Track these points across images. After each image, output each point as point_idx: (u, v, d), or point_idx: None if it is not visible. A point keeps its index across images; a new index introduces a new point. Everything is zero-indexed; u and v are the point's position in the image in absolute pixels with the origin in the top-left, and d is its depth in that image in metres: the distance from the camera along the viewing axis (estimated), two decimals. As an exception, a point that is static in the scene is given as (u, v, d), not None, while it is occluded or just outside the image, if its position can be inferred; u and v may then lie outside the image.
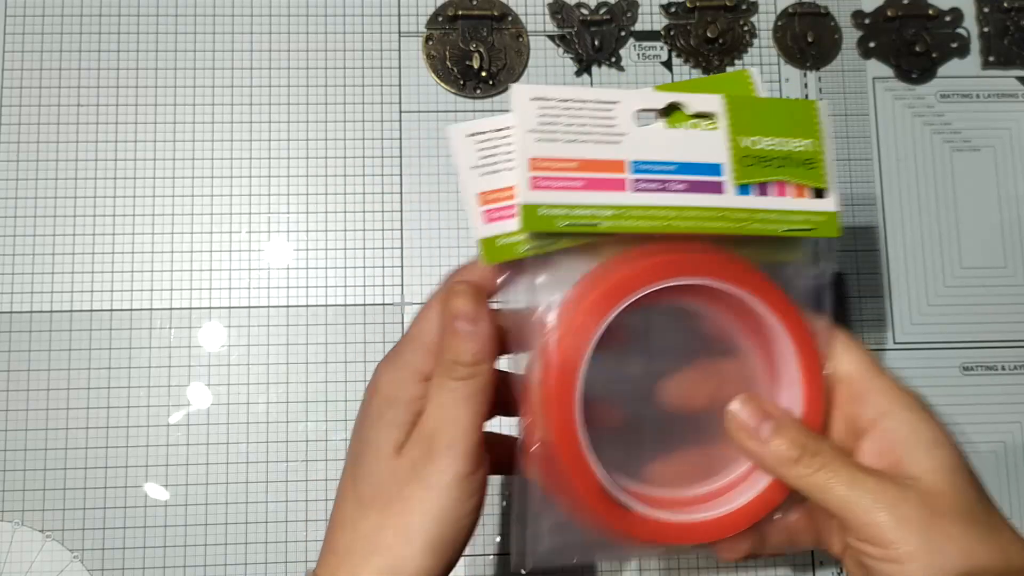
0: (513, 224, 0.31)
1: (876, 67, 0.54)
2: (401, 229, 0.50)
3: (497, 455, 0.34)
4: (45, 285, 0.49)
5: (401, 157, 0.51)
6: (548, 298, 0.31)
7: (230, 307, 0.49)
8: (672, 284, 0.31)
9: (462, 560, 0.47)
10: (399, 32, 0.52)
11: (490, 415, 0.33)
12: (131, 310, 0.49)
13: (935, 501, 0.30)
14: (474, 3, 0.52)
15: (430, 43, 0.52)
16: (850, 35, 0.54)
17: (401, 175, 0.51)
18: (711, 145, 0.32)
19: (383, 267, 0.50)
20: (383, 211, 0.50)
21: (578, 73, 0.52)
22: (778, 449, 0.32)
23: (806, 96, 0.53)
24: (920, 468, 0.31)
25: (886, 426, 0.32)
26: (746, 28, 0.54)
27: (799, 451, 0.32)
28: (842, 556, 0.34)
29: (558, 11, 0.53)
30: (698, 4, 0.53)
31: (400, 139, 0.51)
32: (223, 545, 0.47)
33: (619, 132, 0.31)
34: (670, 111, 0.32)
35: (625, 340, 0.32)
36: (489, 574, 0.47)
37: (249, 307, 0.49)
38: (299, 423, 0.48)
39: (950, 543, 0.30)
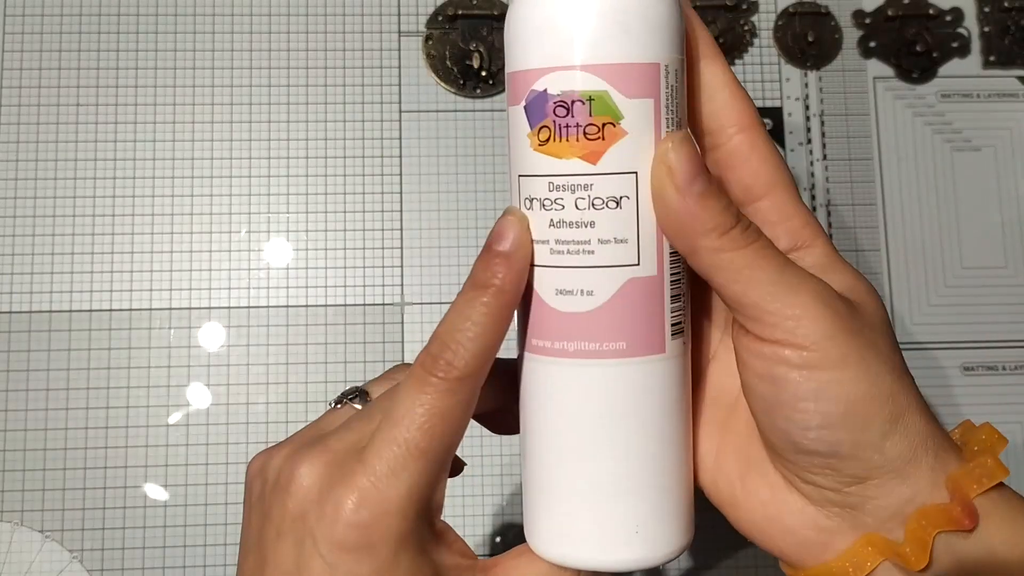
0: None
1: (877, 67, 0.53)
2: (401, 229, 0.50)
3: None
4: (44, 285, 0.48)
5: (401, 157, 0.51)
6: None
7: (229, 307, 0.49)
8: None
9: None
10: (399, 32, 0.52)
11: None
12: (130, 310, 0.49)
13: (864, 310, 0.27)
14: (474, 3, 0.52)
15: (430, 43, 0.52)
16: (851, 35, 0.54)
17: (401, 175, 0.51)
18: None
19: (383, 267, 0.50)
20: (383, 211, 0.50)
21: (578, 73, 0.52)
22: (711, 210, 0.26)
23: (806, 96, 0.53)
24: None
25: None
26: (746, 28, 0.53)
27: (733, 219, 0.26)
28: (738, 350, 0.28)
29: (558, 11, 0.53)
30: (698, 4, 0.53)
31: (400, 139, 0.51)
32: (223, 546, 0.47)
33: None
34: None
35: None
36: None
37: (249, 307, 0.49)
38: (299, 423, 0.48)
39: (881, 359, 0.26)
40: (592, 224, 0.27)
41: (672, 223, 0.26)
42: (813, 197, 0.52)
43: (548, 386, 0.28)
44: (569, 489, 0.28)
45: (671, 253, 0.28)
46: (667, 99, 0.27)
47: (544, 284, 0.27)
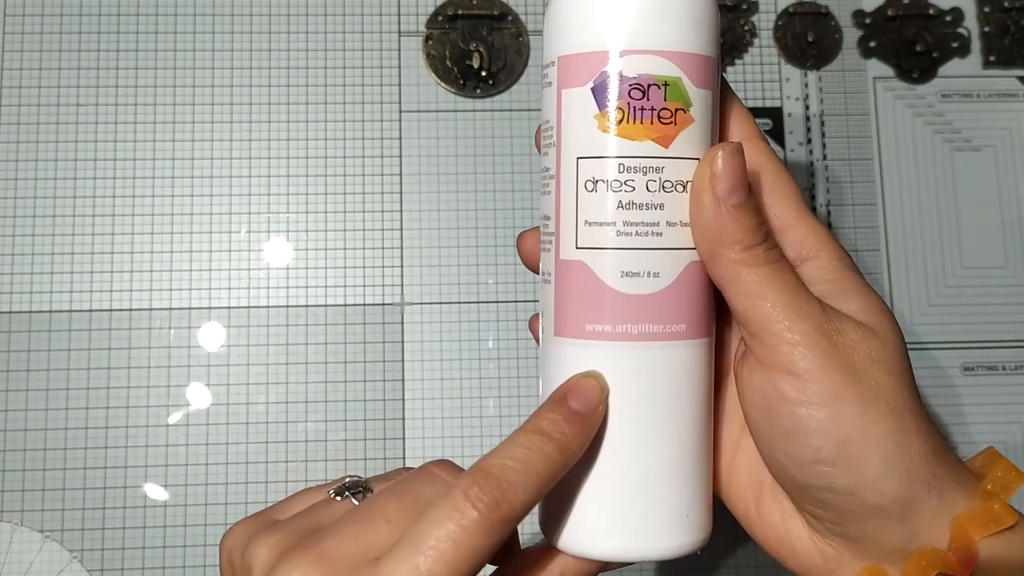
0: None
1: (877, 67, 0.53)
2: (401, 229, 0.50)
3: None
4: (44, 285, 0.48)
5: (401, 157, 0.51)
6: None
7: (229, 307, 0.49)
8: None
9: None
10: (399, 31, 0.52)
11: None
12: (130, 310, 0.49)
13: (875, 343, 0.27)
14: (474, 2, 0.52)
15: (430, 42, 0.52)
16: (851, 35, 0.54)
17: (401, 175, 0.51)
18: None
19: (383, 267, 0.50)
20: (383, 211, 0.50)
21: (578, 73, 0.52)
22: (741, 223, 0.26)
23: (806, 96, 0.53)
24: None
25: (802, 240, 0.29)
26: (746, 28, 0.53)
27: (760, 237, 0.26)
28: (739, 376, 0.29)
29: (558, 11, 0.53)
30: (698, 4, 0.53)
31: (400, 139, 0.51)
32: (222, 545, 0.47)
33: None
34: None
35: None
36: None
37: (248, 307, 0.49)
38: (298, 423, 0.48)
39: (880, 398, 0.26)
40: (661, 206, 0.27)
41: (701, 227, 0.27)
42: (813, 197, 0.52)
43: (607, 372, 0.27)
44: (622, 480, 0.27)
45: None
46: (717, 92, 0.28)
47: (608, 267, 0.27)
